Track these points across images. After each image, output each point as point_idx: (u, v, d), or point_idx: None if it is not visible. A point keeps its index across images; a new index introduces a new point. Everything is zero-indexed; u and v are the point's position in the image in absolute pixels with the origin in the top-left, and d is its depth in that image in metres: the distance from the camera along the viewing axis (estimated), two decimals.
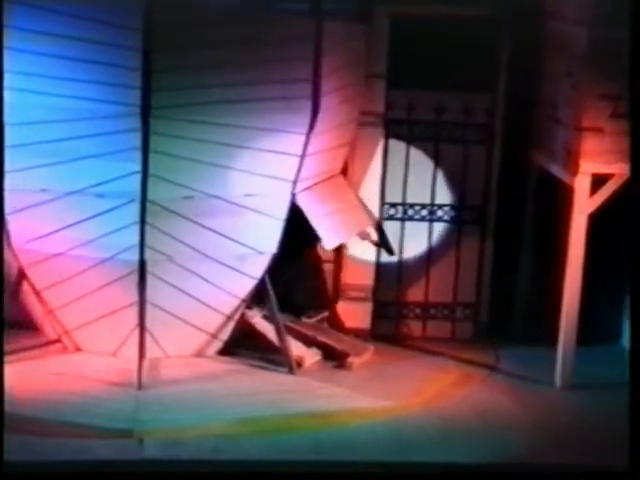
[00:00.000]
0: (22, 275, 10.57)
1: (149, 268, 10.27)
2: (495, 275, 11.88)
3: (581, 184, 10.26)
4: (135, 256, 10.19)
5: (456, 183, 11.77)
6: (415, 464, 8.90)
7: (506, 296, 11.87)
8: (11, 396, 9.62)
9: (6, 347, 10.50)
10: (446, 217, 11.85)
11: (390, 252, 11.63)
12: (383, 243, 11.63)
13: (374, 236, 11.65)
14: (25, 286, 10.67)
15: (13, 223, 10.34)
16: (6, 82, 9.86)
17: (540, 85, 11.37)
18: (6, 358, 10.43)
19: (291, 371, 10.70)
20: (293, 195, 10.70)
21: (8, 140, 9.97)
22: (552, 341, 10.65)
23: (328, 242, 10.91)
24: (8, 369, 10.28)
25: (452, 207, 11.83)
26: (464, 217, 11.85)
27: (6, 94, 9.88)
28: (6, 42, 9.79)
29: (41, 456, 8.72)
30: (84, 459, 8.72)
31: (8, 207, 10.25)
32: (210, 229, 10.41)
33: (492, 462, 8.87)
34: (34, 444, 8.89)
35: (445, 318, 11.97)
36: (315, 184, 11.01)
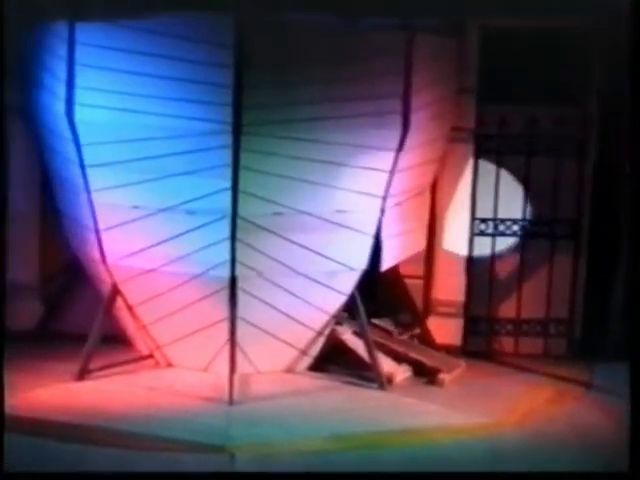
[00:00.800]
0: (116, 290, 10.70)
1: (240, 284, 10.31)
2: (589, 290, 11.68)
3: None
4: (226, 272, 10.25)
5: (548, 197, 11.62)
6: None
7: (600, 312, 11.66)
8: (104, 410, 9.79)
9: (100, 362, 10.71)
10: (538, 232, 11.70)
11: None
12: None
13: None
14: (118, 301, 10.80)
15: (107, 239, 10.48)
16: (101, 101, 10.10)
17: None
18: (100, 372, 10.65)
19: (382, 387, 10.64)
20: (382, 211, 10.66)
21: (103, 158, 10.21)
22: None
23: (383, 264, 10.84)
24: (102, 383, 10.50)
25: (544, 222, 11.68)
26: (557, 232, 11.69)
27: (101, 113, 10.12)
28: (102, 62, 10.02)
29: (135, 467, 8.81)
30: (177, 471, 8.77)
31: (102, 223, 10.44)
32: (300, 245, 10.42)
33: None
34: (128, 457, 9.00)
35: (538, 334, 11.81)
36: (404, 200, 10.97)
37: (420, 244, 11.51)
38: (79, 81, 10.11)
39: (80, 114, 10.16)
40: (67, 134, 10.26)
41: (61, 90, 10.22)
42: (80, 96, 10.14)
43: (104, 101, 10.10)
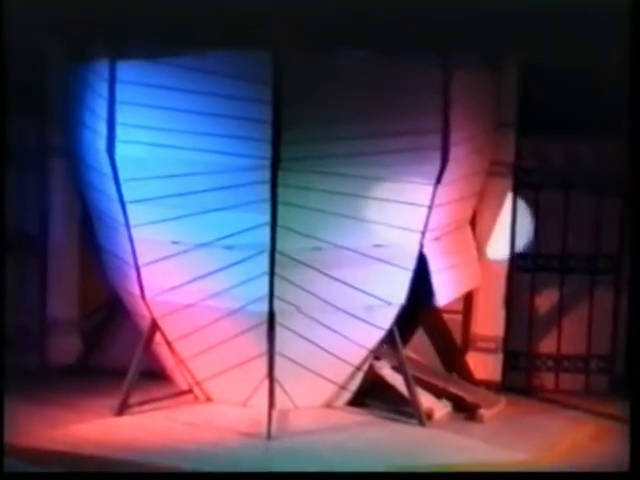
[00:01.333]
0: (155, 325, 10.73)
1: (278, 319, 10.31)
2: (631, 326, 11.54)
3: None
4: (264, 307, 10.25)
5: (589, 232, 11.55)
6: None
7: None
8: (144, 445, 9.79)
9: (139, 397, 10.72)
10: (578, 267, 11.62)
11: None
12: None
13: None
14: (158, 336, 10.83)
15: (146, 274, 10.53)
16: (141, 138, 10.19)
17: None
18: (139, 408, 10.67)
19: (421, 423, 10.57)
20: (421, 245, 10.64)
21: (143, 194, 10.29)
22: None
23: (440, 298, 10.82)
24: (142, 419, 10.50)
25: (585, 257, 11.60)
26: (598, 266, 11.60)
27: (141, 149, 10.21)
28: (142, 99, 10.12)
29: None
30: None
31: (142, 258, 10.49)
32: (339, 280, 10.41)
33: None
34: None
35: (579, 370, 11.70)
36: (443, 235, 10.94)
37: (475, 279, 11.43)
38: (119, 118, 10.21)
39: (120, 150, 10.25)
40: (107, 170, 10.35)
41: (102, 127, 10.33)
42: (120, 133, 10.23)
43: (144, 137, 10.19)
